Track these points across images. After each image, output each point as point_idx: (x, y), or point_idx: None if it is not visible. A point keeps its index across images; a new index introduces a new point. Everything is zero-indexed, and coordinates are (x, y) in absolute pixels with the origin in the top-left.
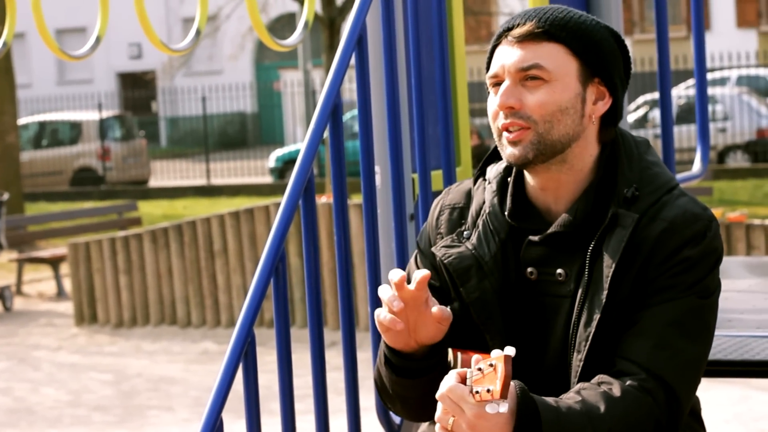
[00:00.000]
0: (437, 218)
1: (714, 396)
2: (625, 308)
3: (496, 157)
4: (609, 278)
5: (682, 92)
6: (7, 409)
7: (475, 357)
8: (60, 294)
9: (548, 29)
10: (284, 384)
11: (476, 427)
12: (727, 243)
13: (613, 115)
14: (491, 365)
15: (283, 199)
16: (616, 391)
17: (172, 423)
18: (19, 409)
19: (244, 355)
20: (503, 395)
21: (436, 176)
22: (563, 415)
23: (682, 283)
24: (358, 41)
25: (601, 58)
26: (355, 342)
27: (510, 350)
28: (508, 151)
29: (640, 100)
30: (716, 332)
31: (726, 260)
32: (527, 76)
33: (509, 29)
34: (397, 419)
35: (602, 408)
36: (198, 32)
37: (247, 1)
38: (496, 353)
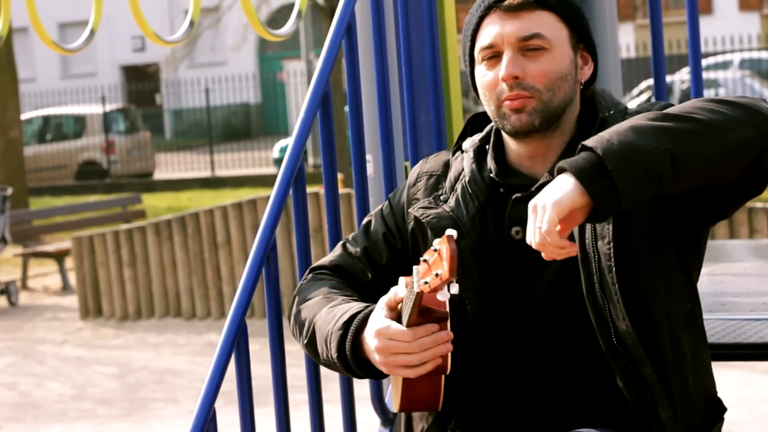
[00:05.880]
0: (414, 184)
1: (717, 380)
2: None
3: (473, 131)
4: None
5: (685, 76)
6: (12, 403)
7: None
8: (65, 288)
9: None
10: (277, 374)
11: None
12: (730, 227)
13: (593, 77)
14: (435, 250)
15: (273, 189)
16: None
17: (177, 415)
18: (25, 403)
19: (237, 346)
20: (452, 273)
21: None
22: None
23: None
24: (347, 29)
25: (584, 24)
26: None
27: (451, 231)
28: (512, 119)
29: (643, 85)
30: (709, 316)
31: (726, 243)
32: (528, 46)
33: (500, 0)
34: (392, 408)
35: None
36: (192, 23)
37: None
38: (436, 240)
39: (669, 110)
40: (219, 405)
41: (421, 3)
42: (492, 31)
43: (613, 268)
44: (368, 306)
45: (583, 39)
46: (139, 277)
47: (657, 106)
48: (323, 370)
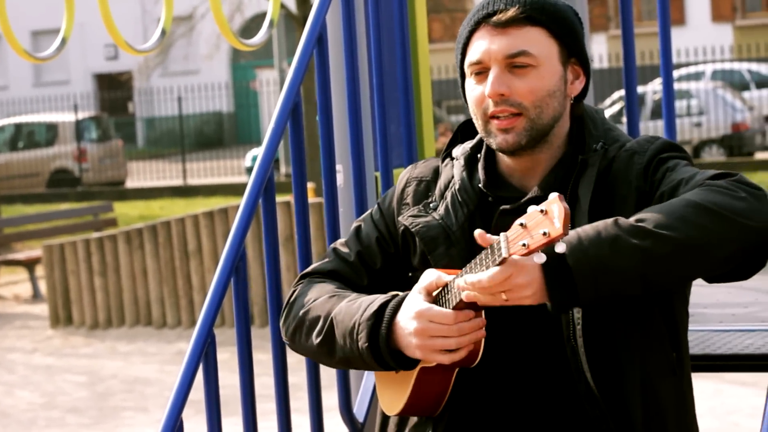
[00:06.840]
0: (403, 189)
1: None
2: None
3: (463, 138)
4: (586, 213)
5: (657, 87)
6: None
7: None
8: (35, 296)
9: (530, 14)
10: (245, 383)
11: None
12: None
13: (584, 91)
14: (542, 211)
15: (243, 199)
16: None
17: (147, 424)
18: None
19: (205, 355)
20: (566, 230)
21: (399, 174)
22: (582, 231)
23: (674, 166)
24: (318, 39)
25: (576, 39)
26: None
27: (556, 193)
28: (498, 138)
29: (616, 95)
30: None
31: None
32: (515, 63)
33: (490, 15)
34: (360, 417)
35: (654, 210)
36: (164, 32)
37: (211, 2)
38: (532, 207)
39: (654, 216)
40: (187, 414)
41: (392, 13)
42: (480, 46)
43: (580, 321)
44: (394, 295)
45: (575, 53)
46: (109, 286)
47: (657, 143)
48: (293, 379)
